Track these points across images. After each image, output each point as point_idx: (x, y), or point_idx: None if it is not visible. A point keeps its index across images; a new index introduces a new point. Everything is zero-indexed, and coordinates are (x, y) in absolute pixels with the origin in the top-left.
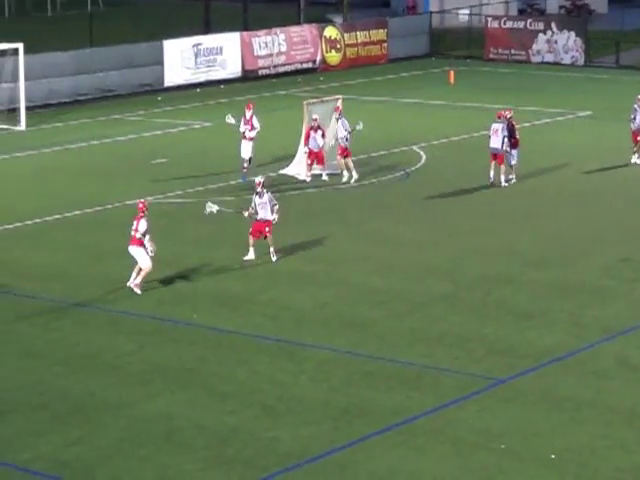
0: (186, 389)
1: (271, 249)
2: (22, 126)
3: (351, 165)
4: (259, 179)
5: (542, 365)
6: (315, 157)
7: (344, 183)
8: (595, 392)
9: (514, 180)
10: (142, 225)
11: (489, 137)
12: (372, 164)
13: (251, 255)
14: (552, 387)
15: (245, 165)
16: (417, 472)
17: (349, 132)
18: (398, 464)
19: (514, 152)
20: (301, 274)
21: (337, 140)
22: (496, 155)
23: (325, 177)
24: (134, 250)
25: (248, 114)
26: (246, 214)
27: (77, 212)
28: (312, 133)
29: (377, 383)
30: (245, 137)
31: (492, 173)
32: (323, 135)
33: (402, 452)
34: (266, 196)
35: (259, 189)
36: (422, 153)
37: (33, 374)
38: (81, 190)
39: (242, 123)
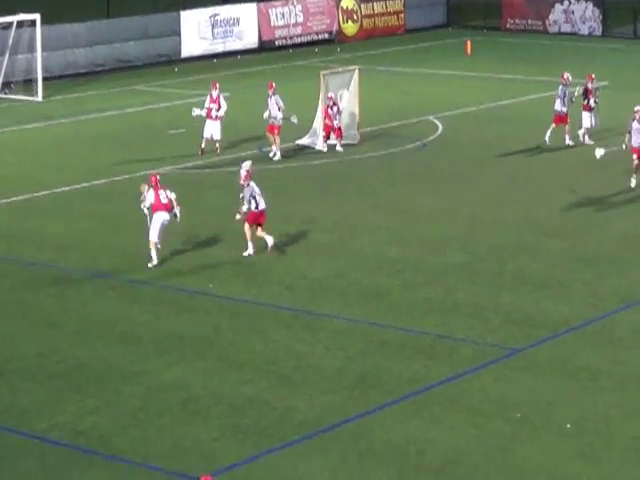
0: (202, 358)
1: (267, 238)
2: (39, 97)
3: (278, 142)
4: (247, 170)
5: (558, 335)
6: (331, 130)
7: (272, 160)
8: (611, 362)
9: (586, 142)
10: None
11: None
12: (389, 134)
13: (250, 250)
14: (568, 357)
15: (217, 146)
16: (432, 441)
17: (282, 111)
18: (413, 433)
19: (585, 115)
20: (317, 244)
21: (270, 118)
22: (560, 117)
23: (339, 148)
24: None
25: (215, 93)
26: (239, 216)
27: (94, 182)
28: (329, 111)
29: (393, 352)
30: (211, 117)
31: (548, 135)
32: (339, 111)
33: (417, 421)
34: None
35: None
36: (439, 123)
37: (49, 343)
38: (98, 160)
39: (208, 102)
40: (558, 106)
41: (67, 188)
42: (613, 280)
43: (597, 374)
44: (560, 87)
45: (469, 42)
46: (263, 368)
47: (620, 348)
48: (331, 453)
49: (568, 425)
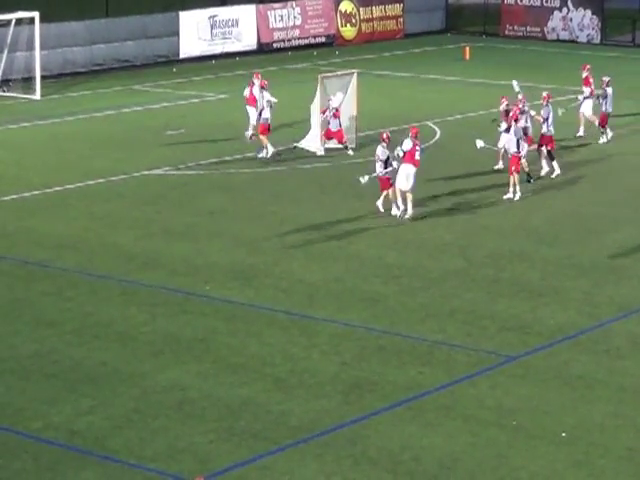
0: (198, 361)
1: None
2: (37, 95)
3: (266, 142)
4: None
5: (554, 343)
6: (333, 136)
7: (261, 159)
8: (607, 371)
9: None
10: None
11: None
12: None
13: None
14: (564, 365)
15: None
16: (427, 448)
17: (271, 106)
18: (408, 439)
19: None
20: (314, 248)
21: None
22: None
23: (350, 152)
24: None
25: (257, 82)
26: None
27: (91, 182)
28: (327, 114)
29: (389, 358)
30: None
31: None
32: (339, 119)
33: (413, 427)
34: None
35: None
36: (437, 129)
37: (46, 343)
38: (96, 160)
39: (248, 91)
40: (603, 107)
41: (64, 187)
42: (610, 289)
43: (593, 383)
44: (601, 91)
45: (467, 48)
46: (258, 371)
47: (616, 358)
48: (326, 458)
49: (563, 434)
